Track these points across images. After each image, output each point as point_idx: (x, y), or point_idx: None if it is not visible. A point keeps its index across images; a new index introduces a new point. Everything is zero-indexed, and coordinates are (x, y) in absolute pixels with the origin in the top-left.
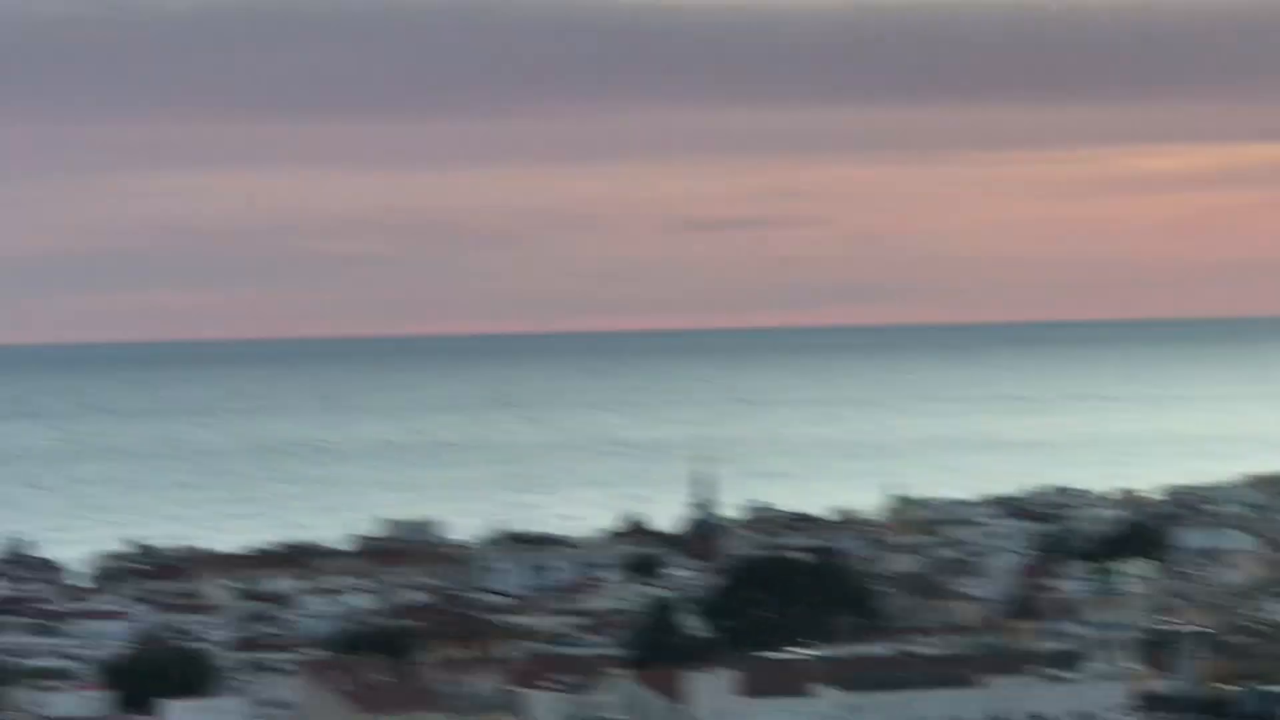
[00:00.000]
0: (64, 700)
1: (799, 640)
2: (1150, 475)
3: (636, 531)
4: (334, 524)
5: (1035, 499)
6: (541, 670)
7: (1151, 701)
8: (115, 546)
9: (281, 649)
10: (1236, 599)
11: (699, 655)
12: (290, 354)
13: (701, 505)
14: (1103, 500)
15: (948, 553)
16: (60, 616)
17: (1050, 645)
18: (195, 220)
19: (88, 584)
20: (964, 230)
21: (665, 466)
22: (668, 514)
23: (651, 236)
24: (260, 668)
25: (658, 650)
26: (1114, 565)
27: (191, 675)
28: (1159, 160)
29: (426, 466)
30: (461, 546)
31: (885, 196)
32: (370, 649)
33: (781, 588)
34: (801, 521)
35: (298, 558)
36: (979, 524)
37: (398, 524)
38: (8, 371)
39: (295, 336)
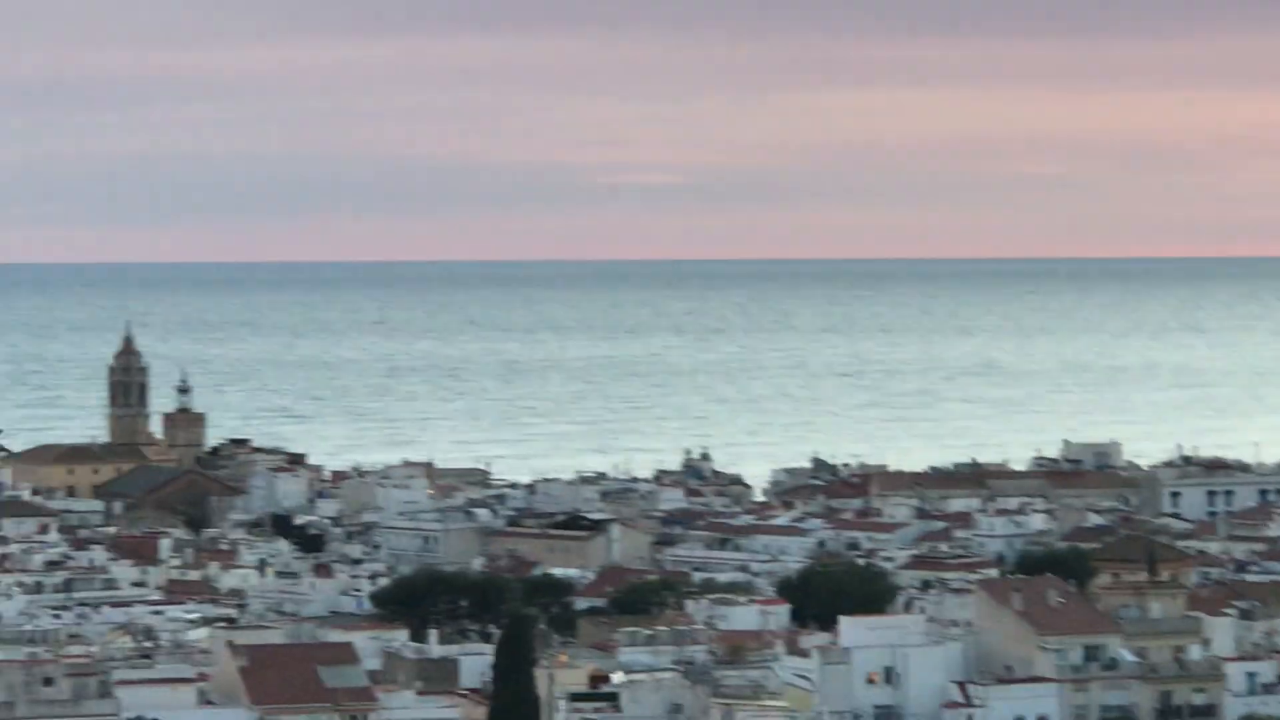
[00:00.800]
0: (742, 613)
1: None
2: None
3: None
4: (1014, 445)
5: None
6: (1220, 596)
7: None
8: (795, 462)
9: (958, 568)
10: None
11: None
12: (973, 274)
13: None
14: None
15: None
16: (740, 531)
17: None
18: (876, 138)
19: (767, 499)
20: None
21: None
22: None
23: None
24: (937, 585)
25: None
26: None
27: (869, 591)
28: None
29: (1108, 388)
30: (1142, 470)
31: None
32: (1047, 570)
33: None
34: None
35: (977, 477)
36: None
37: (1078, 446)
38: (684, 285)
39: (981, 256)
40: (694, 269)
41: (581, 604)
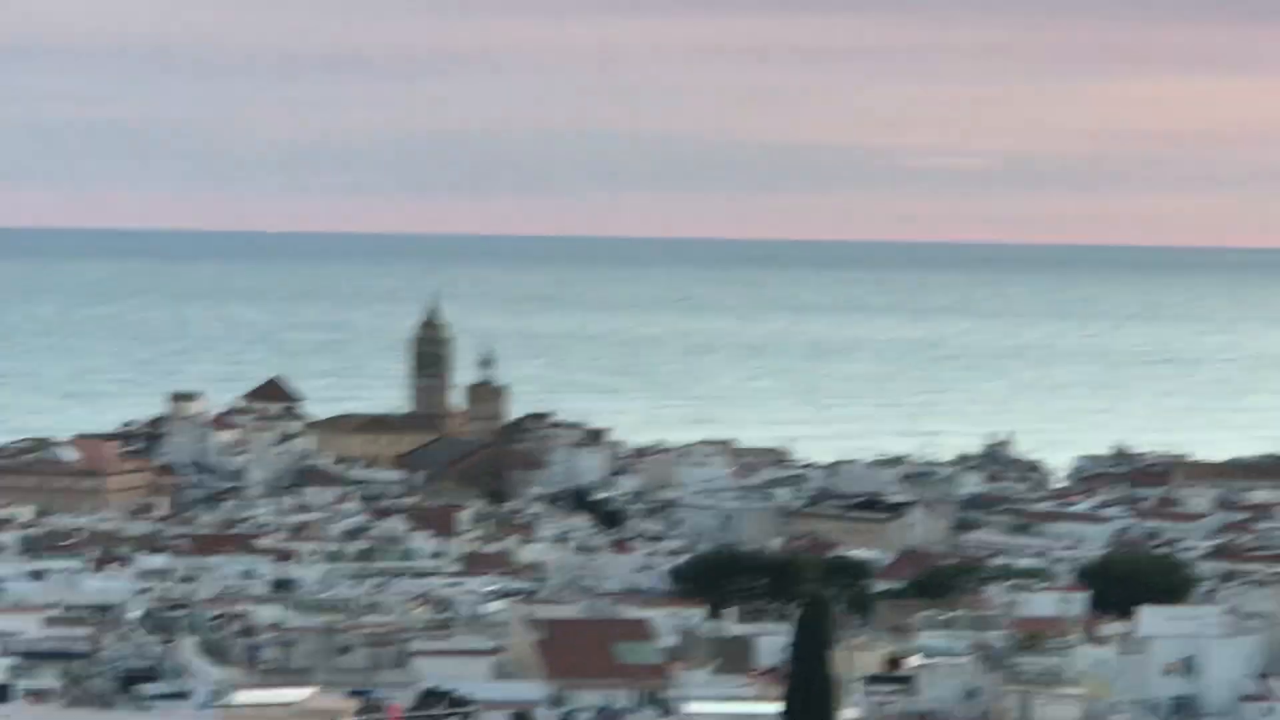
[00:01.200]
0: (1040, 599)
1: None
2: None
3: None
4: None
5: None
6: None
7: None
8: (1097, 450)
9: (1259, 559)
10: None
11: None
12: (1250, 263)
13: None
14: None
15: None
16: (1039, 517)
17: None
18: (1190, 125)
19: (1068, 485)
20: None
21: None
22: None
23: None
24: (1237, 577)
25: None
26: None
27: (1168, 581)
28: None
29: None
30: None
31: None
32: None
33: None
34: None
35: None
36: None
37: None
38: (990, 269)
39: (1253, 246)
40: (1002, 253)
41: (879, 586)
